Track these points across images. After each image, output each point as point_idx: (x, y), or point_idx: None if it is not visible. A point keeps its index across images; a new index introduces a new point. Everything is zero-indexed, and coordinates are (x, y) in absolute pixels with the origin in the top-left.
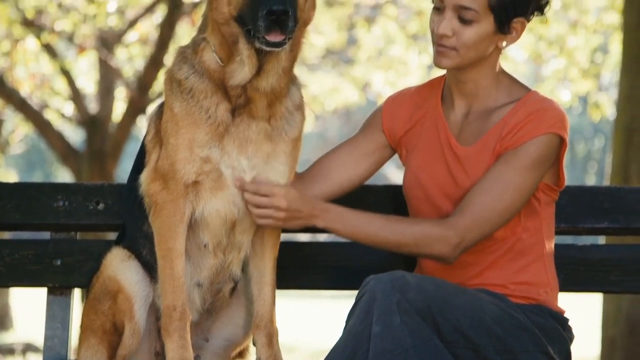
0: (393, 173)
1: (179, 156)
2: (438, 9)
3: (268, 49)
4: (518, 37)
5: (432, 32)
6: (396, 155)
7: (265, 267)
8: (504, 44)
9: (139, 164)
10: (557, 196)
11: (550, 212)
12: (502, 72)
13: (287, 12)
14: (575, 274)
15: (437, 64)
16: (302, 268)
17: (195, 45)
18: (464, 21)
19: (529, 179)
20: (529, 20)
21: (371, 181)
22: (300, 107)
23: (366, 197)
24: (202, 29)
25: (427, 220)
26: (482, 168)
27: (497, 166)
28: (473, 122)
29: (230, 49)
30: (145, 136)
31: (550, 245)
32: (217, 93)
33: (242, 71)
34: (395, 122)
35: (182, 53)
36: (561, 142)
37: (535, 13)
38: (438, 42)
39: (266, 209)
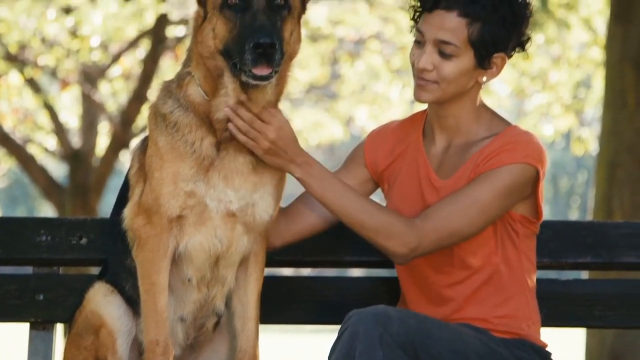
0: None
1: (163, 190)
2: (419, 43)
3: (255, 82)
4: (498, 72)
5: (413, 65)
6: (379, 189)
7: (249, 302)
8: (484, 79)
9: (122, 198)
10: (536, 229)
11: (530, 246)
12: (483, 106)
13: (274, 45)
14: (559, 308)
15: (417, 98)
16: (285, 303)
17: (180, 79)
18: (444, 55)
19: (497, 203)
20: (510, 56)
21: None
22: None
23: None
24: (186, 63)
25: (395, 214)
26: None
27: (470, 184)
28: (452, 156)
29: (216, 83)
30: (128, 170)
31: (532, 279)
32: (202, 127)
33: (227, 105)
34: (378, 157)
35: (167, 87)
36: (536, 175)
37: (517, 49)
38: (419, 75)
39: (256, 131)
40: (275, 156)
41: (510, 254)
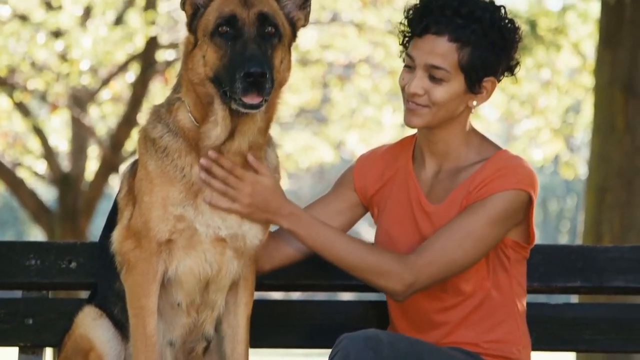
0: (365, 230)
1: (152, 214)
2: (409, 67)
3: (245, 110)
4: (488, 96)
5: (403, 89)
6: (369, 213)
7: (238, 326)
8: (474, 103)
9: (111, 222)
10: (527, 254)
11: (521, 270)
12: (473, 130)
13: (264, 74)
14: (548, 332)
15: (408, 123)
16: (275, 326)
17: (170, 104)
18: (435, 80)
19: (492, 231)
20: (499, 80)
21: None
22: (276, 169)
23: None
24: (176, 88)
25: (388, 253)
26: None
27: (463, 214)
28: (443, 181)
29: (205, 109)
30: (117, 194)
31: (522, 303)
32: (191, 153)
33: (215, 132)
34: (367, 181)
35: (157, 112)
36: (529, 200)
37: (506, 73)
38: (409, 100)
39: (233, 189)
40: (259, 211)
41: (502, 279)
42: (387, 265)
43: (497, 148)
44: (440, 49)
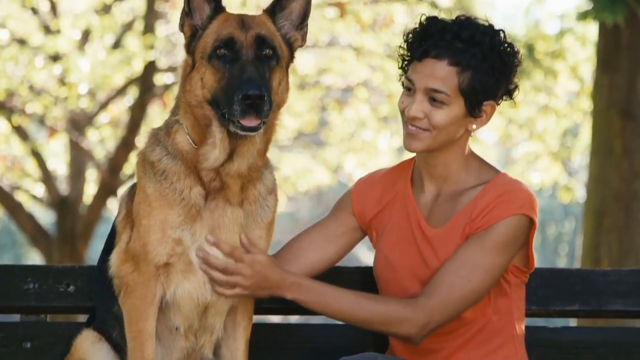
0: (364, 254)
1: (151, 237)
2: (409, 90)
3: (243, 133)
4: (488, 120)
5: (402, 113)
6: (367, 237)
7: (237, 349)
8: (474, 126)
9: (110, 246)
10: (526, 278)
11: (520, 294)
12: (472, 154)
13: (262, 97)
14: (547, 356)
15: (408, 147)
16: (273, 350)
17: (168, 127)
18: (435, 103)
19: (498, 261)
20: (498, 104)
21: (342, 262)
22: (273, 191)
23: (337, 278)
24: (174, 111)
25: (395, 300)
26: (451, 250)
27: (466, 247)
28: (442, 204)
29: (204, 132)
30: (116, 217)
31: (520, 327)
32: (190, 176)
33: (214, 154)
34: (365, 205)
35: (155, 135)
36: (530, 224)
37: (505, 97)
38: (410, 123)
39: (233, 275)
40: (261, 289)
41: (502, 303)
42: (397, 313)
43: (496, 171)
44: (440, 73)
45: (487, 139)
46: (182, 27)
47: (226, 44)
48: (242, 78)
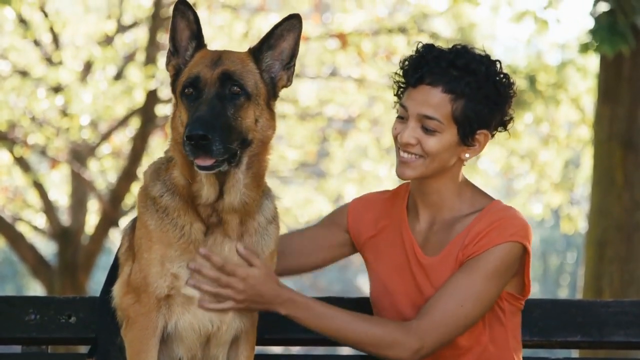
0: (363, 282)
1: (151, 270)
2: (402, 118)
3: (202, 172)
4: (481, 149)
5: (395, 139)
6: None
7: None
8: (467, 155)
9: (112, 277)
10: (522, 305)
11: (516, 323)
12: (465, 182)
13: (205, 137)
14: None
15: (400, 175)
16: None
17: (168, 161)
18: (427, 131)
19: (491, 287)
20: (493, 135)
21: (344, 292)
22: (274, 219)
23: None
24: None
25: (390, 323)
26: (446, 278)
27: (459, 273)
28: (438, 232)
29: (191, 168)
30: (118, 249)
31: (518, 356)
32: (189, 211)
33: (205, 191)
34: (361, 226)
35: (157, 170)
36: (524, 251)
37: (499, 128)
38: (403, 149)
39: (226, 287)
40: (254, 304)
41: (498, 332)
42: (391, 336)
43: (490, 199)
44: (434, 100)
45: (488, 170)
46: (167, 66)
47: (191, 83)
48: (192, 118)
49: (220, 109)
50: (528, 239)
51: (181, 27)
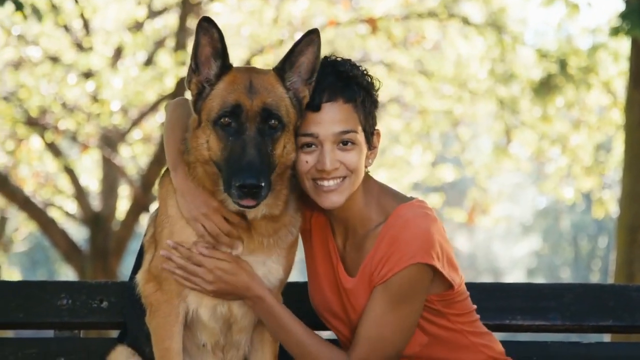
0: None
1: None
2: (309, 146)
3: (241, 209)
4: (377, 149)
5: (306, 173)
6: None
7: None
8: (370, 161)
9: (139, 264)
10: (459, 294)
11: (460, 307)
12: (370, 187)
13: (259, 186)
14: None
15: (329, 205)
16: None
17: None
18: (345, 148)
19: (405, 309)
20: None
21: None
22: (298, 210)
23: None
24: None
25: (334, 350)
26: (363, 301)
27: (374, 302)
28: (351, 252)
29: (213, 180)
30: (144, 236)
31: (475, 335)
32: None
33: (229, 203)
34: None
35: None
36: (429, 266)
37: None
38: (325, 178)
39: (195, 277)
40: (226, 294)
41: (441, 322)
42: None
43: (395, 201)
44: (342, 114)
45: (519, 154)
46: (189, 84)
47: (232, 112)
48: (241, 163)
49: (264, 149)
50: (429, 253)
51: (204, 45)
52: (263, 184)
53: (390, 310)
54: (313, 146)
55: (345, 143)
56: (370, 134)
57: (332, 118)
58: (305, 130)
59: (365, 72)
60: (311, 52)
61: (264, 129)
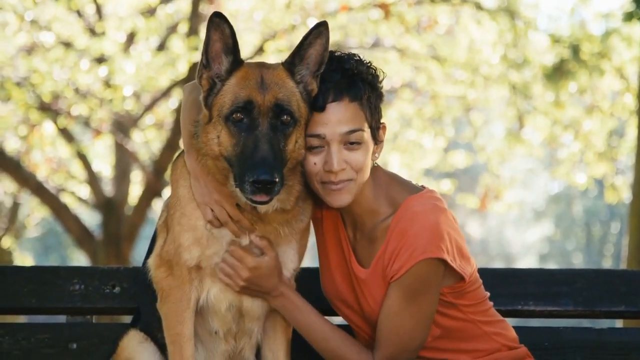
0: None
1: (182, 240)
2: (315, 148)
3: (254, 205)
4: (383, 142)
5: (315, 175)
6: None
7: (279, 349)
8: (377, 155)
9: (152, 248)
10: (469, 285)
11: (472, 297)
12: (378, 179)
13: (274, 182)
14: (593, 357)
15: (338, 205)
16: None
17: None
18: (351, 147)
19: (422, 303)
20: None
21: None
22: (307, 198)
23: None
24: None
25: (359, 348)
26: (376, 291)
27: (390, 300)
28: (363, 243)
29: (224, 174)
30: (158, 221)
31: (488, 324)
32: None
33: (239, 197)
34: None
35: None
36: (441, 260)
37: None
38: (333, 180)
39: (231, 269)
40: (251, 292)
41: (453, 314)
42: (356, 358)
43: (405, 192)
44: (348, 113)
45: (532, 139)
46: (200, 79)
47: (244, 108)
48: (255, 158)
49: (277, 145)
50: (438, 246)
51: (215, 40)
52: (277, 180)
53: (408, 306)
54: (320, 147)
55: (351, 143)
56: (376, 129)
57: (339, 118)
58: (312, 132)
59: (369, 65)
60: (320, 44)
61: (276, 125)
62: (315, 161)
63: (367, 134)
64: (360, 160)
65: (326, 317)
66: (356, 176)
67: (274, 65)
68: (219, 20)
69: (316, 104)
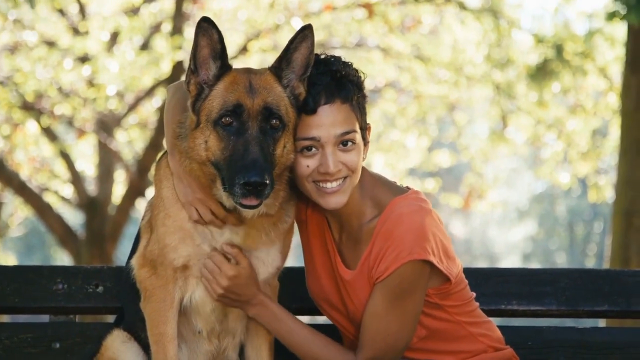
0: None
1: (167, 240)
2: (309, 150)
3: (242, 209)
4: (369, 143)
5: (306, 177)
6: None
7: (262, 349)
8: (364, 155)
9: (136, 248)
10: (455, 286)
11: (457, 298)
12: (364, 181)
13: (264, 184)
14: (576, 356)
15: (333, 206)
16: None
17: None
18: (345, 148)
19: (408, 304)
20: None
21: None
22: (290, 199)
23: None
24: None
25: (341, 350)
26: (362, 293)
27: (374, 300)
28: (348, 245)
29: (210, 179)
30: (141, 220)
31: (474, 325)
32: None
33: (225, 199)
34: (299, 201)
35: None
36: (427, 261)
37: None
38: (328, 181)
39: (211, 275)
40: (229, 301)
41: (439, 315)
42: None
43: (390, 193)
44: (341, 115)
45: (516, 139)
46: (188, 85)
47: (233, 112)
48: (245, 161)
49: (266, 147)
50: (424, 247)
51: (203, 46)
52: (267, 182)
53: (393, 307)
54: (313, 149)
55: (345, 144)
56: (365, 127)
57: (332, 120)
58: (305, 134)
59: (351, 65)
60: (305, 48)
61: (266, 128)
62: (307, 164)
63: (359, 135)
64: (355, 161)
65: (311, 317)
66: (352, 174)
67: (261, 70)
68: (207, 26)
69: (307, 107)
